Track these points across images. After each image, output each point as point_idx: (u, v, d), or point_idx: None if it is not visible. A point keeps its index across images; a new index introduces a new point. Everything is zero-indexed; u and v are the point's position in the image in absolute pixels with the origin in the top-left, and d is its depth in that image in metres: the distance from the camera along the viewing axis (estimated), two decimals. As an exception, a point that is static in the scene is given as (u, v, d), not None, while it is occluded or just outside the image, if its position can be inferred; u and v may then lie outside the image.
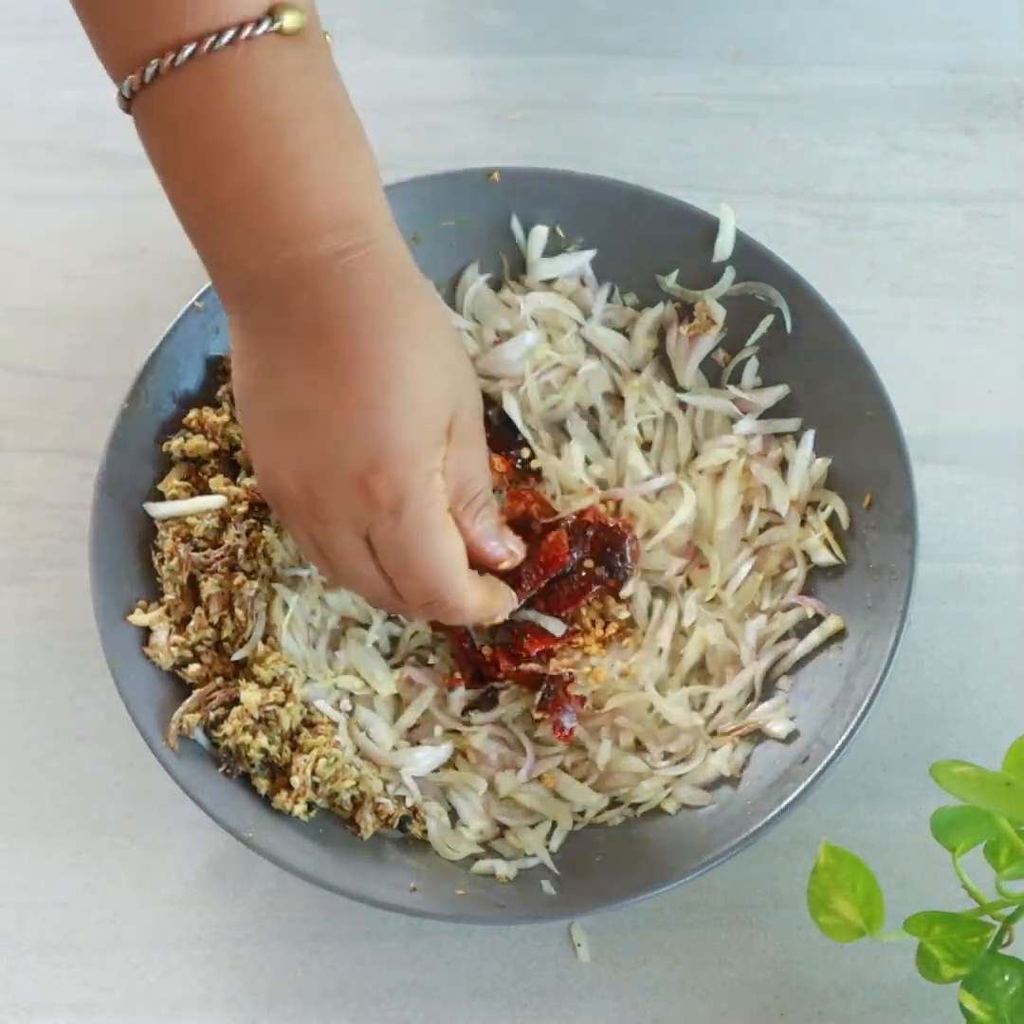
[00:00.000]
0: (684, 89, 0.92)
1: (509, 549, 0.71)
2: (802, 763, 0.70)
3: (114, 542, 0.75)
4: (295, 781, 0.71)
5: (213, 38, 0.57)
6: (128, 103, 0.61)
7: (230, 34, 0.57)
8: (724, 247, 0.78)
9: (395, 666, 0.77)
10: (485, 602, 0.69)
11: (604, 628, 0.77)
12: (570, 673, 0.75)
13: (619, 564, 0.76)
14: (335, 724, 0.74)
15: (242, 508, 0.76)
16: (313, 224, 0.60)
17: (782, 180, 0.90)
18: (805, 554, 0.76)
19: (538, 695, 0.74)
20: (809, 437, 0.77)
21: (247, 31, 0.57)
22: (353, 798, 0.72)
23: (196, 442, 0.77)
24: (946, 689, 0.77)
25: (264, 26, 0.58)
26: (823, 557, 0.75)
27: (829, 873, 0.65)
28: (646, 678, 0.75)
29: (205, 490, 0.76)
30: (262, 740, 0.71)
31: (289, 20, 0.58)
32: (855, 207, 0.89)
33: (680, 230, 0.79)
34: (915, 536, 0.72)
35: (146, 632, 0.74)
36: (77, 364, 0.86)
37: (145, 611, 0.74)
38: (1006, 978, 0.64)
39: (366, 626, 0.77)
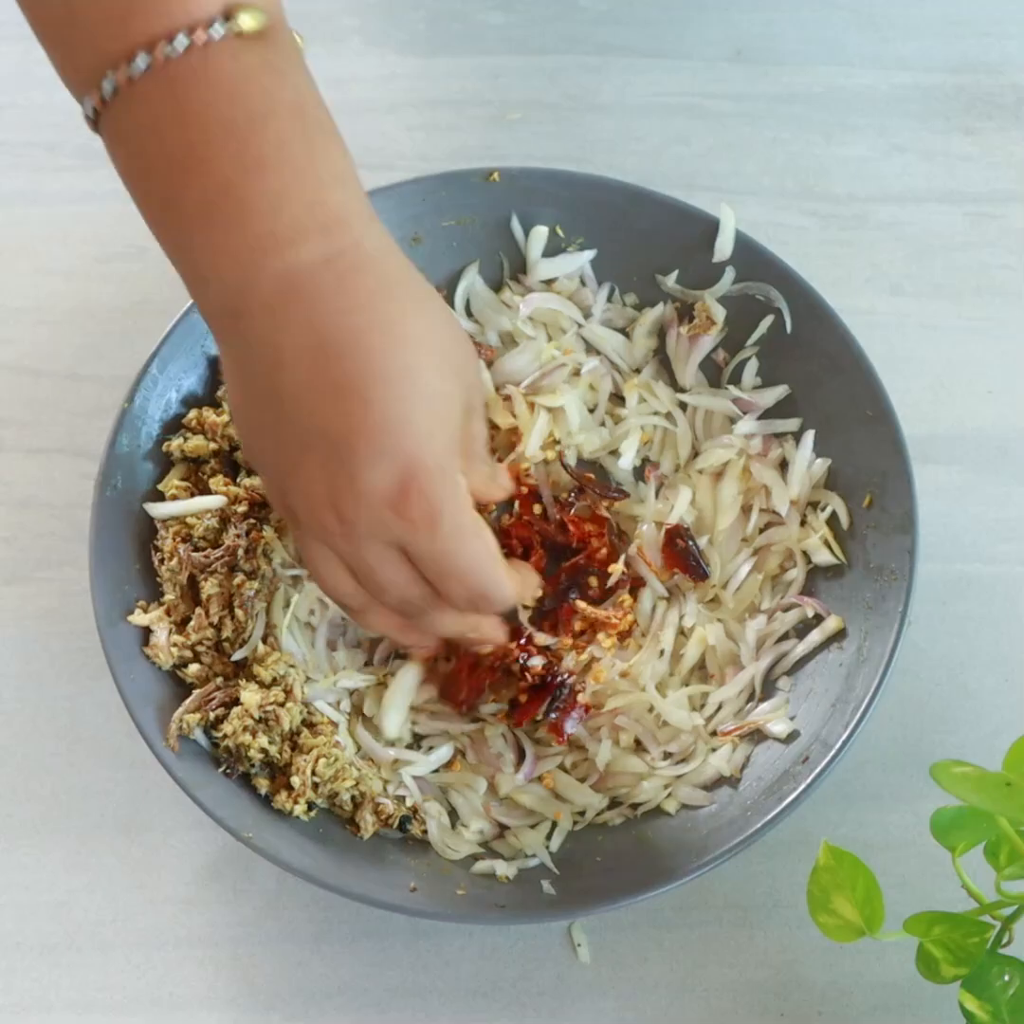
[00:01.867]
0: (684, 89, 0.92)
1: (502, 485, 0.71)
2: (802, 763, 0.70)
3: (114, 542, 0.75)
4: (295, 781, 0.71)
5: (166, 44, 0.55)
6: (95, 124, 0.59)
7: (182, 38, 0.55)
8: (724, 247, 0.78)
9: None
10: (519, 586, 0.68)
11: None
12: (580, 682, 0.74)
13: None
14: (335, 724, 0.74)
15: (242, 508, 0.76)
16: (292, 227, 0.58)
17: (782, 180, 0.90)
18: (805, 554, 0.76)
19: (547, 703, 0.74)
20: (809, 437, 0.77)
21: (199, 34, 0.56)
22: (353, 798, 0.72)
23: (196, 442, 0.77)
24: (946, 689, 0.77)
25: (218, 28, 0.56)
26: (823, 557, 0.75)
27: (829, 873, 0.65)
28: (647, 679, 0.75)
29: (205, 490, 0.76)
30: (262, 740, 0.71)
31: (246, 21, 0.56)
32: (855, 207, 0.89)
33: (680, 230, 0.79)
34: (915, 536, 0.72)
35: (146, 632, 0.74)
36: (77, 364, 0.86)
37: (145, 611, 0.74)
38: (1006, 978, 0.64)
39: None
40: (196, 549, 0.75)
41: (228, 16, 0.56)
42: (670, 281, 0.80)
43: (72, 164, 0.91)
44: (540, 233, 0.81)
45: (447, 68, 0.93)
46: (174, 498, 0.76)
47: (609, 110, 0.92)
